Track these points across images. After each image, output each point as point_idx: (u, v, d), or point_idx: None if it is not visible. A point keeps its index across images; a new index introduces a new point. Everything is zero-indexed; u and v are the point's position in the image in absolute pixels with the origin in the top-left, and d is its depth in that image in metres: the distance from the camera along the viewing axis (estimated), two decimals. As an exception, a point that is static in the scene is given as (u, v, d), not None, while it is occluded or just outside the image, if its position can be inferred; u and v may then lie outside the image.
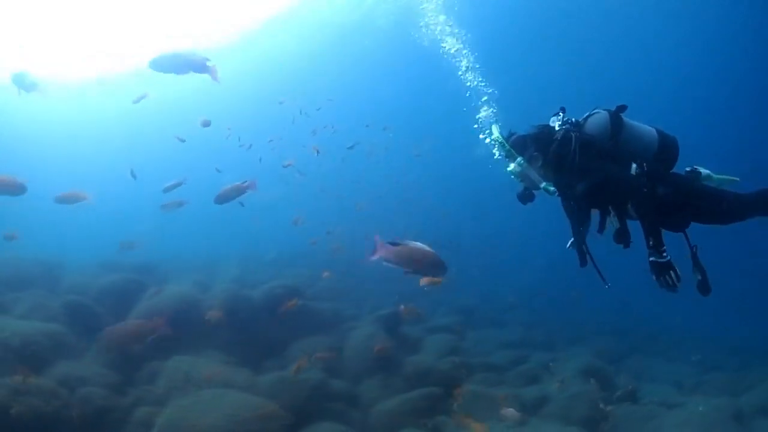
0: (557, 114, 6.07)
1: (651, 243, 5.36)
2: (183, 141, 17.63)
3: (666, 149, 5.92)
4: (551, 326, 22.16)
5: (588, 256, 6.00)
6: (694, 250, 5.69)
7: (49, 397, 9.36)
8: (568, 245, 6.30)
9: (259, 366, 13.11)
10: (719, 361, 19.17)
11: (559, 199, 6.05)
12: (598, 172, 5.57)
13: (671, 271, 5.25)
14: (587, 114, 6.03)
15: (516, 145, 5.96)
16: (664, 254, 5.29)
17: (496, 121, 6.34)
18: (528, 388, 13.37)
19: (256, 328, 14.17)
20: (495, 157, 6.05)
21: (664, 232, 5.54)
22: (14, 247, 16.24)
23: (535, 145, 5.87)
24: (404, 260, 6.26)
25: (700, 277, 5.61)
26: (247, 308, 14.46)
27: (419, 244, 6.32)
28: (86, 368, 11.08)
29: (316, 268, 20.00)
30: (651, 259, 5.34)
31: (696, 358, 19.26)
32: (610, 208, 5.80)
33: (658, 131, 5.95)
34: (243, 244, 31.26)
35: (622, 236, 5.73)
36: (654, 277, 5.36)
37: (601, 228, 5.99)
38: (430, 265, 6.40)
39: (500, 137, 5.95)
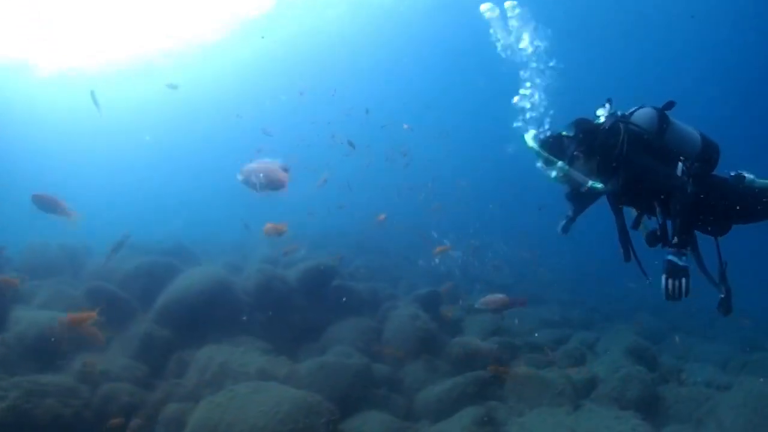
0: (603, 105, 5.88)
1: (675, 241, 4.99)
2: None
3: (708, 152, 5.72)
4: (588, 304, 21.55)
5: (631, 251, 5.81)
6: (724, 266, 5.47)
7: (67, 397, 8.20)
8: (558, 229, 6.41)
9: (297, 351, 12.08)
10: (759, 340, 18.16)
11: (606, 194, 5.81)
12: (644, 165, 5.37)
13: (684, 279, 4.85)
14: (633, 108, 5.82)
15: (553, 147, 5.74)
16: (684, 258, 4.90)
17: (529, 128, 6.00)
18: (575, 368, 12.24)
19: (292, 310, 12.97)
20: (537, 166, 5.80)
21: (701, 237, 5.47)
22: (43, 233, 15.06)
23: (575, 144, 5.69)
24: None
25: (723, 295, 5.34)
26: (281, 289, 13.19)
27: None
28: (110, 361, 9.91)
29: (350, 249, 18.96)
30: (668, 257, 4.94)
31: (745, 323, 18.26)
32: (654, 203, 5.53)
33: (701, 134, 5.76)
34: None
35: (656, 238, 5.56)
36: (663, 278, 4.93)
37: (636, 224, 5.90)
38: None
39: (535, 146, 5.73)
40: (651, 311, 21.17)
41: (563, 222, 6.48)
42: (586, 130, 5.70)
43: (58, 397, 8.01)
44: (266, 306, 12.57)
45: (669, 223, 5.40)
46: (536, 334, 15.61)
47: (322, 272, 13.96)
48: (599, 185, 5.54)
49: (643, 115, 5.68)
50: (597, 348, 14.69)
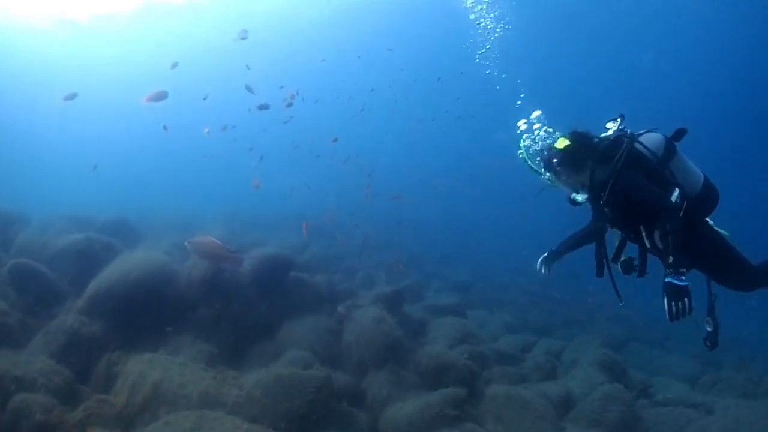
0: (615, 119, 5.67)
1: (671, 261, 4.67)
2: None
3: (707, 196, 5.46)
4: (545, 307, 20.63)
5: (607, 268, 5.64)
6: (713, 300, 5.46)
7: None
8: (538, 264, 6.33)
9: (247, 353, 10.30)
10: (716, 356, 16.77)
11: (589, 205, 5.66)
12: (636, 181, 5.10)
13: (686, 299, 4.55)
14: (643, 130, 5.54)
15: (545, 162, 5.69)
16: (683, 278, 4.61)
17: (523, 135, 6.06)
18: (549, 384, 11.32)
19: (243, 305, 10.99)
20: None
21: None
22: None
23: (558, 158, 5.51)
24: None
25: (710, 330, 5.26)
26: (231, 281, 11.14)
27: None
28: (27, 362, 7.90)
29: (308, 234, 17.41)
30: (667, 279, 4.64)
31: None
32: (640, 227, 5.26)
33: (704, 175, 5.51)
34: (228, 202, 28.19)
35: (631, 266, 5.51)
36: (665, 300, 4.61)
37: (617, 256, 5.64)
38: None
39: (525, 154, 5.83)
40: (608, 318, 20.46)
41: (545, 255, 6.36)
42: (576, 146, 5.44)
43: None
44: (213, 300, 10.62)
45: (648, 249, 5.28)
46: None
47: (279, 263, 12.02)
48: (580, 198, 5.47)
49: (651, 138, 5.42)
50: (563, 357, 13.70)
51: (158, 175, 43.67)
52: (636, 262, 5.50)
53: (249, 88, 15.59)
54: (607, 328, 18.69)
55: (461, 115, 33.37)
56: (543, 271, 6.36)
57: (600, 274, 5.68)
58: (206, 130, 17.66)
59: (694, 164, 5.52)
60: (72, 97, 14.94)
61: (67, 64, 40.39)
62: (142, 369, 7.87)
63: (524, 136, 6.00)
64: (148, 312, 9.70)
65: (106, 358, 8.84)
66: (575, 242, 6.23)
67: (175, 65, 16.92)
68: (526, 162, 5.81)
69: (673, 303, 4.55)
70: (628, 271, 5.54)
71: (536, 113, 6.25)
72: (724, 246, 5.45)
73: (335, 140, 19.84)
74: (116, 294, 9.70)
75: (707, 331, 5.28)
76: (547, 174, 5.68)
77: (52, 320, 9.37)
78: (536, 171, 5.75)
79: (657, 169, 5.28)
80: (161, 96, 12.32)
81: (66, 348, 8.79)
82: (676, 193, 5.08)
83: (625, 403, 10.34)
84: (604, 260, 5.64)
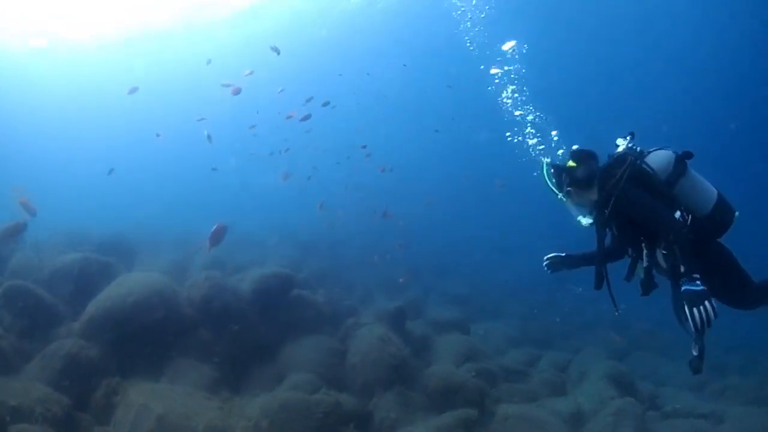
0: (625, 137, 5.54)
1: (683, 270, 4.50)
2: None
3: (720, 215, 5.22)
4: (545, 318, 20.06)
5: (606, 281, 5.45)
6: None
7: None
8: (545, 262, 6.10)
9: (249, 376, 9.94)
10: (719, 359, 16.91)
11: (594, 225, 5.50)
12: (638, 198, 4.98)
13: (707, 302, 4.30)
14: (654, 148, 5.40)
15: (557, 178, 5.57)
16: (698, 283, 4.39)
17: (546, 155, 6.05)
18: (559, 400, 11.12)
19: (244, 326, 10.58)
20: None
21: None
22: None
23: (568, 179, 5.44)
24: None
25: (696, 354, 4.84)
26: (232, 302, 10.73)
27: None
28: (25, 389, 7.51)
29: (304, 249, 17.00)
30: (685, 287, 4.42)
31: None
32: (641, 242, 5.20)
33: (719, 193, 5.28)
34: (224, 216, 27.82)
35: (650, 285, 5.32)
36: (687, 309, 4.36)
37: (630, 275, 5.49)
38: None
39: (545, 176, 5.64)
40: (609, 326, 19.83)
41: (552, 255, 6.09)
42: (582, 164, 5.34)
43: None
44: (214, 321, 10.28)
45: (651, 262, 5.17)
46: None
47: (279, 281, 11.68)
48: (585, 221, 5.48)
49: (658, 156, 5.25)
50: (570, 370, 13.45)
51: (162, 189, 43.04)
52: (646, 277, 5.30)
53: (209, 137, 15.83)
54: (608, 337, 18.21)
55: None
56: (546, 267, 6.14)
57: (599, 286, 5.51)
58: (158, 136, 17.65)
59: (709, 182, 5.34)
60: (134, 90, 15.49)
61: (65, 82, 40.05)
62: (145, 401, 7.50)
63: (546, 160, 5.78)
64: (147, 335, 9.34)
65: (105, 384, 8.46)
66: (588, 259, 5.93)
67: (133, 90, 17.00)
68: (545, 181, 5.63)
69: (695, 309, 4.33)
70: (648, 291, 5.35)
71: (553, 132, 6.27)
72: (732, 266, 5.30)
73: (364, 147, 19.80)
74: (115, 317, 9.34)
75: (693, 355, 4.94)
76: (560, 194, 5.53)
77: (49, 344, 9.01)
78: (553, 191, 5.59)
79: (660, 187, 5.12)
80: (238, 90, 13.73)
81: (63, 373, 8.43)
82: (677, 214, 4.99)
83: (638, 417, 10.09)
84: (604, 272, 5.47)
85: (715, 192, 5.28)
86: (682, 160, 5.22)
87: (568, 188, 5.43)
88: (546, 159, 5.81)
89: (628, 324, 20.34)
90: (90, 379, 8.53)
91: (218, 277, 11.19)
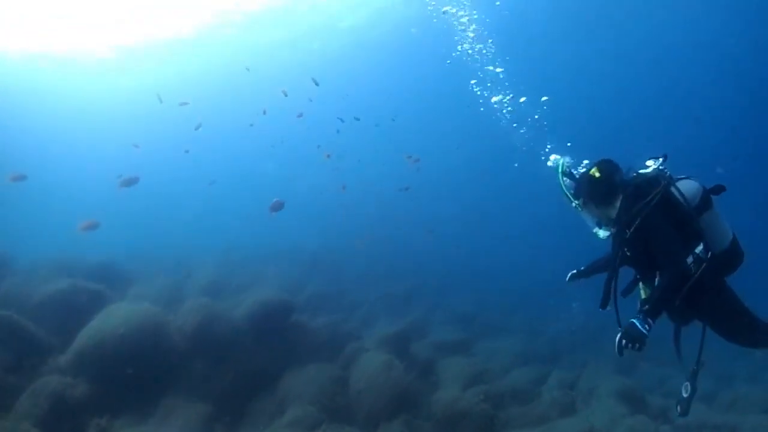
0: (657, 158, 5.22)
1: (647, 308, 4.39)
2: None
3: (731, 256, 5.01)
4: (548, 334, 19.38)
5: (613, 301, 5.03)
6: (699, 367, 5.03)
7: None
8: (567, 278, 6.01)
9: (247, 408, 9.38)
10: (727, 369, 16.30)
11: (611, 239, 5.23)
12: (662, 227, 4.71)
13: (638, 345, 4.23)
14: (683, 176, 5.11)
15: (577, 184, 5.29)
16: (647, 327, 4.27)
17: (564, 157, 5.60)
18: (570, 421, 10.78)
19: (240, 356, 10.02)
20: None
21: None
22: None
23: (588, 190, 5.14)
24: None
25: (686, 395, 4.87)
26: (226, 331, 10.16)
27: None
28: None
29: (303, 266, 16.50)
30: (632, 320, 4.31)
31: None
32: (654, 271, 4.86)
33: (734, 236, 5.09)
34: (222, 237, 27.33)
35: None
36: (618, 336, 4.29)
37: (628, 291, 5.20)
38: None
39: (561, 182, 5.35)
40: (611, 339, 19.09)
41: (573, 272, 6.04)
42: (608, 176, 5.07)
43: None
44: (207, 353, 9.69)
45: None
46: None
47: (277, 308, 11.12)
48: (602, 234, 5.22)
49: (688, 185, 4.99)
50: (579, 387, 13.09)
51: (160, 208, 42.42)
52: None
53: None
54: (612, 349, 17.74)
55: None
56: (569, 281, 6.06)
57: (605, 305, 5.16)
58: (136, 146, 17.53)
59: (727, 224, 5.16)
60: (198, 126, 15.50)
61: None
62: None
63: (563, 160, 5.56)
64: (137, 370, 8.78)
65: (95, 423, 8.05)
66: (600, 266, 5.83)
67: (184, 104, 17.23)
68: (561, 185, 5.39)
69: (624, 342, 4.27)
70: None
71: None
72: (738, 307, 5.07)
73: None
74: (103, 352, 8.84)
75: (682, 396, 4.94)
76: (576, 201, 5.28)
77: (38, 378, 8.56)
78: (567, 196, 5.35)
79: (688, 218, 4.91)
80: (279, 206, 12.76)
81: (52, 413, 8.01)
82: (701, 246, 4.78)
83: (651, 435, 9.96)
84: (613, 293, 5.13)
85: (731, 233, 5.16)
86: (709, 195, 5.04)
87: (588, 197, 5.20)
88: (564, 159, 5.57)
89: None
90: (79, 418, 8.08)
91: (211, 304, 10.60)
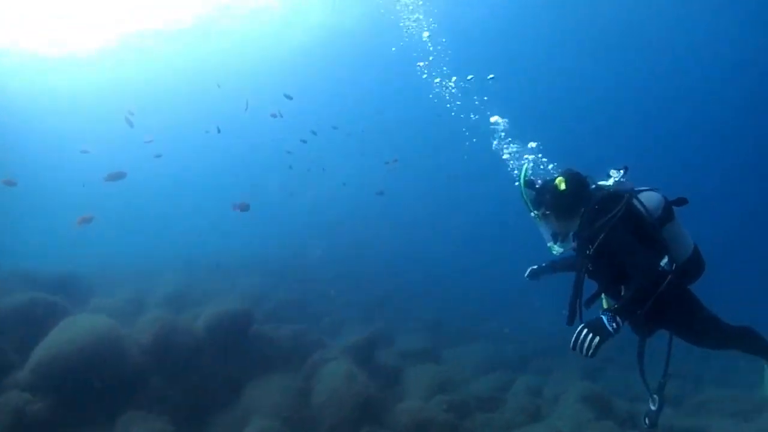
0: (619, 170, 5.21)
1: (617, 306, 4.34)
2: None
3: (693, 267, 5.11)
4: (518, 338, 19.50)
5: (579, 317, 4.92)
6: (666, 379, 5.11)
7: None
8: (526, 274, 6.09)
9: (208, 425, 9.14)
10: (696, 369, 16.69)
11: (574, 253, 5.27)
12: (627, 240, 4.61)
13: (598, 340, 4.09)
14: (644, 187, 5.10)
15: (538, 193, 5.21)
16: (615, 325, 4.16)
17: (527, 165, 5.45)
18: (536, 427, 10.70)
19: (200, 369, 9.85)
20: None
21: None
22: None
23: (550, 203, 5.07)
24: None
25: (654, 408, 4.91)
26: (186, 343, 9.93)
27: None
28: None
29: (271, 276, 16.34)
30: (602, 315, 4.23)
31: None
32: (621, 286, 4.85)
33: (695, 246, 5.17)
34: (188, 245, 26.98)
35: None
36: (580, 327, 4.20)
37: (591, 302, 5.14)
38: None
39: (522, 189, 5.22)
40: None
41: (534, 267, 6.06)
42: (574, 190, 4.98)
43: None
44: (167, 366, 9.45)
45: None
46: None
47: (237, 319, 10.93)
48: (557, 249, 5.25)
49: (650, 197, 5.00)
50: (545, 393, 13.07)
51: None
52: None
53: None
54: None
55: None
56: (528, 277, 6.12)
57: (571, 322, 5.04)
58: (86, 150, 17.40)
59: (688, 235, 5.22)
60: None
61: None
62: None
63: (527, 165, 5.45)
64: (95, 384, 8.51)
65: None
66: (565, 266, 5.86)
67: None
68: (521, 191, 5.26)
69: (584, 336, 4.13)
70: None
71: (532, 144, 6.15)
72: (703, 313, 5.07)
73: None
74: (60, 366, 8.47)
75: (650, 409, 4.97)
76: (535, 211, 5.21)
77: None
78: (526, 203, 5.26)
79: (651, 230, 4.89)
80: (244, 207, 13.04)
81: (13, 430, 7.73)
82: (665, 259, 4.82)
83: (617, 441, 9.86)
84: (579, 311, 5.06)
85: (693, 244, 5.20)
86: (671, 206, 5.06)
87: (548, 211, 5.13)
88: (529, 163, 5.57)
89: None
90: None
91: (169, 316, 10.34)
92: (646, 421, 4.99)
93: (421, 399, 10.58)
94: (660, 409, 4.93)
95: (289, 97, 17.73)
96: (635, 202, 4.89)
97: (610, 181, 5.15)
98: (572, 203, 4.96)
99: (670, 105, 39.86)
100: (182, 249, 25.40)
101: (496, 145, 6.48)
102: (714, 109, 38.49)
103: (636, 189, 5.09)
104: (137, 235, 31.74)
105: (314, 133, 22.22)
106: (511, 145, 6.25)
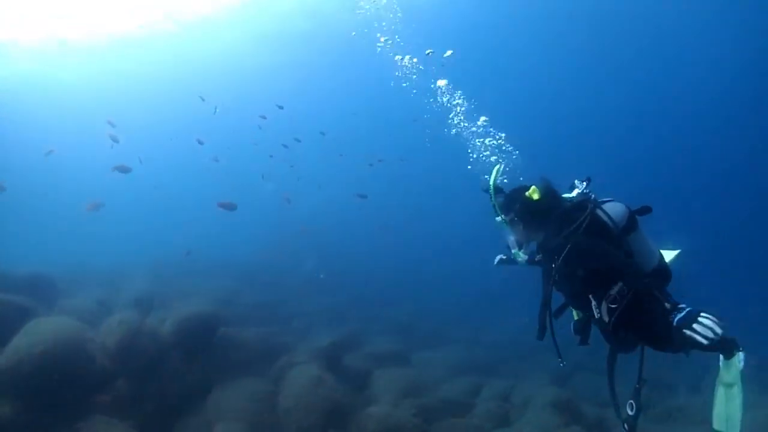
0: (582, 181, 5.17)
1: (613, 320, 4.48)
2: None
3: (659, 275, 4.92)
4: (489, 342, 19.71)
5: (550, 329, 4.93)
6: (641, 384, 4.96)
7: None
8: (495, 262, 5.83)
9: (173, 429, 9.06)
10: (666, 378, 16.28)
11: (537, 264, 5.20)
12: (596, 245, 4.59)
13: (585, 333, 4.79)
14: (607, 198, 5.04)
15: (507, 198, 5.16)
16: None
17: (498, 166, 5.35)
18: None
19: (166, 373, 9.68)
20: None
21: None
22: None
23: (519, 209, 5.03)
24: None
25: (632, 413, 4.82)
26: (152, 348, 9.78)
27: None
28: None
29: (242, 279, 16.18)
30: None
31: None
32: (589, 296, 4.74)
33: (660, 255, 5.07)
34: (159, 246, 26.73)
35: (583, 329, 5.12)
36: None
37: (559, 313, 5.07)
38: None
39: (492, 193, 5.15)
40: (550, 349, 19.15)
41: (502, 256, 5.80)
42: (546, 202, 4.93)
43: None
44: (132, 370, 9.29)
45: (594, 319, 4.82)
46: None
47: (203, 321, 10.81)
48: (521, 257, 5.30)
49: (614, 207, 4.92)
50: (513, 398, 12.93)
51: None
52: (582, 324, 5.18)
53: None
54: (552, 360, 17.73)
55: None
56: (496, 264, 5.89)
57: (541, 336, 5.09)
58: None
59: (653, 243, 5.12)
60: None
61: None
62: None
63: (499, 166, 5.36)
64: (59, 390, 8.37)
65: None
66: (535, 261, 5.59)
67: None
68: (490, 194, 5.18)
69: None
70: (586, 341, 5.19)
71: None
72: (663, 319, 4.83)
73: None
74: (23, 369, 8.32)
75: (627, 414, 4.89)
76: (503, 216, 5.14)
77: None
78: (493, 207, 5.17)
79: (616, 240, 4.82)
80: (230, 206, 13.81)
81: None
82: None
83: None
84: (548, 322, 5.01)
85: (658, 252, 5.12)
86: (634, 216, 4.96)
87: (516, 218, 5.06)
88: (500, 166, 5.36)
89: (569, 346, 20.09)
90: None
91: (134, 320, 10.12)
92: (625, 426, 4.94)
93: (390, 403, 10.55)
94: (638, 414, 4.89)
95: (280, 107, 17.79)
96: (599, 212, 4.84)
97: (574, 192, 5.14)
98: (542, 214, 4.93)
99: (661, 104, 40.25)
100: (155, 249, 25.20)
101: (453, 122, 6.56)
102: (706, 109, 38.96)
103: (600, 200, 5.04)
104: (113, 237, 31.51)
105: (298, 140, 22.34)
106: (463, 122, 6.30)
